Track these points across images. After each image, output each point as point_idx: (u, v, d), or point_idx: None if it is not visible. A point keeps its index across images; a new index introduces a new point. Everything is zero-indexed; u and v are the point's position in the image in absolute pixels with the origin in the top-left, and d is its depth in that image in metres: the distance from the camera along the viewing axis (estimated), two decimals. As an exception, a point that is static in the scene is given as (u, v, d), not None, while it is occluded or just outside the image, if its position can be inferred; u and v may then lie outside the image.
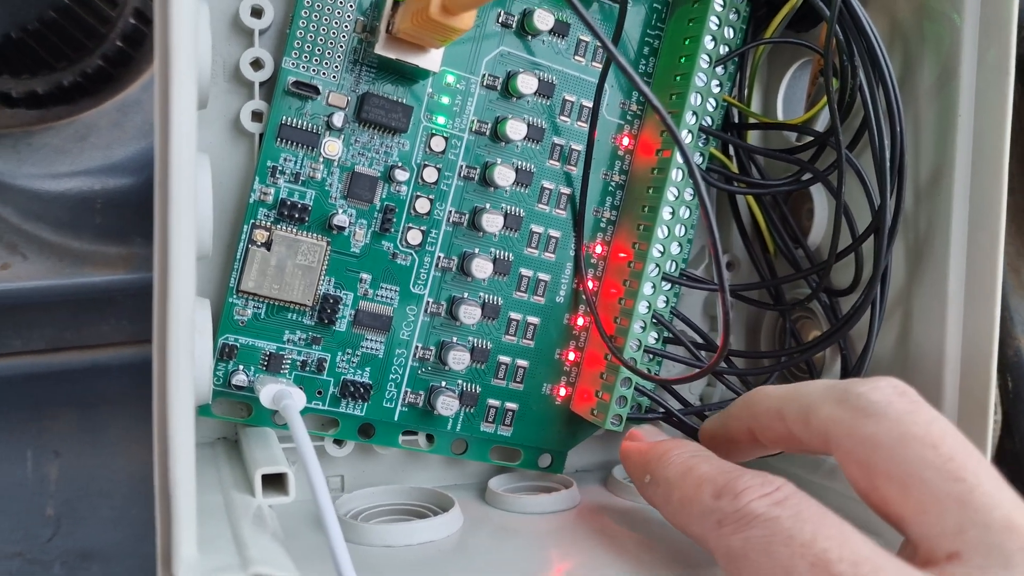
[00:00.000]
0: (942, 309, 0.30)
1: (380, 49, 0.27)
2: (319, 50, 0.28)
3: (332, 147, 0.29)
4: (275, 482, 0.26)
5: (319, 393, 0.30)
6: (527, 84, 0.30)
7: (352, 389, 0.30)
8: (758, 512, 0.21)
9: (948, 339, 0.30)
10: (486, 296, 0.31)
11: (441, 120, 0.30)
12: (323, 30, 0.28)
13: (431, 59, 0.28)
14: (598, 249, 0.33)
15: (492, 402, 0.32)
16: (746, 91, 0.34)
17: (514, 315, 0.32)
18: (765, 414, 0.25)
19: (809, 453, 0.24)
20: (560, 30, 0.31)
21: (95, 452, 0.40)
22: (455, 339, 0.31)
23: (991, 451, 0.42)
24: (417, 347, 0.31)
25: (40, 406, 0.39)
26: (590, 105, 0.32)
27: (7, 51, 0.37)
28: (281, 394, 0.26)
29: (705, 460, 0.25)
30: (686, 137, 0.31)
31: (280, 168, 0.28)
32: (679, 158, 0.30)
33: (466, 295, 0.31)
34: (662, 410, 0.32)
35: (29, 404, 0.39)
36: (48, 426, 0.39)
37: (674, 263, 0.31)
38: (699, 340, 0.34)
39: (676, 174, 0.31)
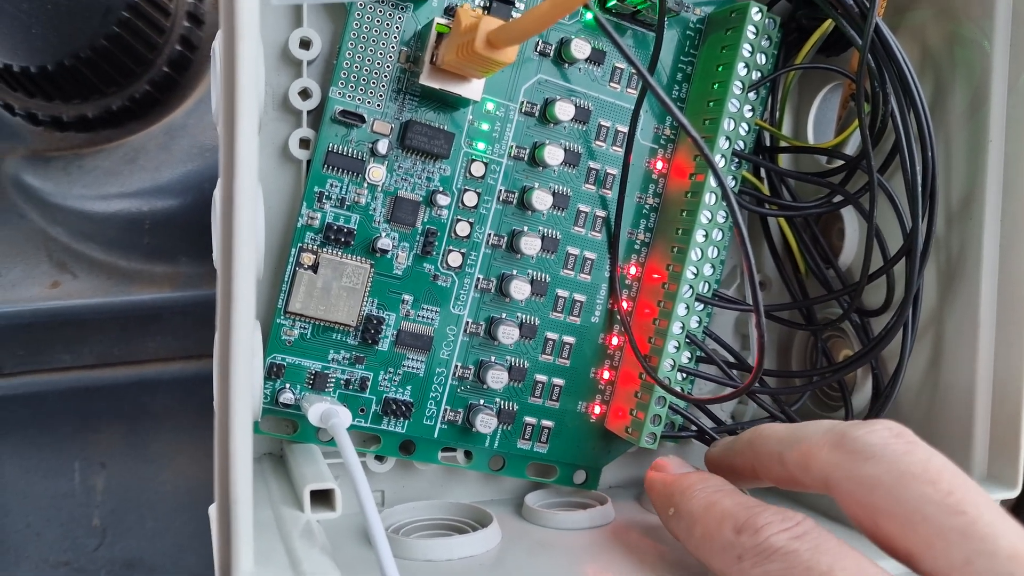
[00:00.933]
0: (974, 331, 0.30)
1: (425, 79, 0.28)
2: (364, 80, 0.29)
3: (376, 173, 0.30)
4: (322, 498, 0.27)
5: (362, 411, 0.31)
6: (564, 111, 0.31)
7: (394, 407, 0.31)
8: (778, 546, 0.22)
9: (980, 361, 0.30)
10: (524, 316, 0.32)
11: (481, 146, 0.31)
12: (368, 61, 0.29)
13: (473, 88, 0.29)
14: (632, 270, 0.33)
15: (529, 420, 0.33)
16: (777, 114, 0.34)
17: (550, 335, 0.33)
18: (767, 456, 0.26)
19: (809, 491, 0.25)
20: (596, 58, 0.32)
21: (140, 464, 0.41)
22: (493, 358, 0.32)
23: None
24: (457, 366, 0.32)
25: (88, 419, 0.40)
26: (625, 130, 0.33)
27: (60, 77, 0.39)
28: (328, 413, 0.27)
29: (728, 495, 0.25)
30: (719, 161, 0.31)
31: (326, 193, 0.29)
32: (712, 182, 0.31)
33: (504, 315, 0.32)
34: (695, 428, 0.33)
35: (77, 417, 0.40)
36: (95, 439, 0.41)
37: (707, 284, 0.32)
38: (731, 359, 0.34)
39: (709, 197, 0.31)
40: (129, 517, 0.41)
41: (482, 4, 0.30)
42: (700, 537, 0.25)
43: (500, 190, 0.31)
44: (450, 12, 0.29)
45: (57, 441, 0.40)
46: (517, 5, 0.30)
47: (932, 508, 0.21)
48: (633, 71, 0.32)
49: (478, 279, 0.31)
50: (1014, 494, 0.30)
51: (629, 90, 0.33)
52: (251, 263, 0.20)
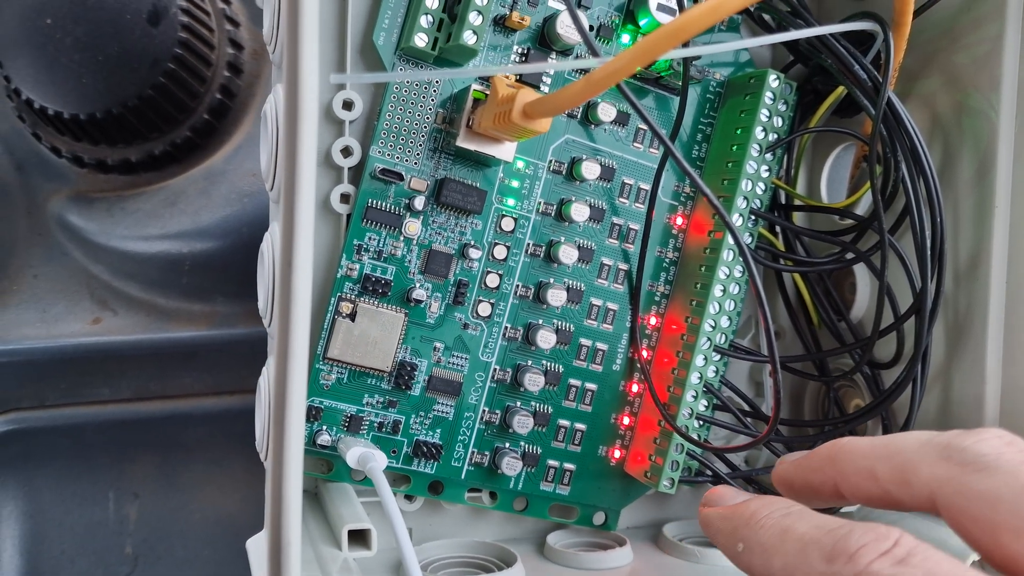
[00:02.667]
0: (981, 385, 0.32)
1: (461, 142, 0.30)
2: (403, 139, 0.31)
3: (412, 227, 0.31)
4: (358, 537, 0.28)
5: (393, 452, 0.32)
6: (591, 170, 0.33)
7: (424, 449, 0.32)
8: (882, 575, 0.19)
9: (986, 415, 0.32)
10: (548, 364, 0.34)
11: (511, 202, 0.33)
12: (407, 122, 0.31)
13: (506, 150, 0.31)
14: (652, 321, 0.35)
15: (552, 463, 0.34)
16: (792, 172, 0.36)
17: (574, 382, 0.34)
18: (855, 473, 0.23)
19: (907, 511, 0.23)
20: (621, 120, 0.33)
21: (172, 495, 0.42)
22: (519, 404, 0.33)
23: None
24: (484, 411, 0.33)
25: (124, 451, 0.42)
26: (647, 188, 0.34)
27: (107, 124, 0.41)
28: (366, 457, 0.28)
29: (800, 517, 0.22)
30: (736, 220, 0.33)
31: (365, 246, 0.31)
32: (730, 239, 0.33)
33: (530, 363, 0.33)
34: (710, 473, 0.34)
35: (114, 449, 0.42)
36: (130, 469, 0.42)
37: (724, 335, 0.34)
38: (745, 407, 0.36)
39: (727, 254, 0.33)
40: (160, 546, 0.42)
41: (515, 77, 0.32)
42: (782, 571, 0.21)
43: (528, 244, 0.33)
44: (486, 79, 0.31)
45: (93, 471, 0.42)
46: (544, 81, 0.32)
47: None
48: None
49: (506, 328, 0.33)
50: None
51: (651, 150, 0.34)
52: (306, 318, 0.22)
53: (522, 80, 0.31)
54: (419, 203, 0.31)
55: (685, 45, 0.30)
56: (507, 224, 0.33)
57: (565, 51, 0.32)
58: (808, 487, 0.25)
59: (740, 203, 0.33)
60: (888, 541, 0.19)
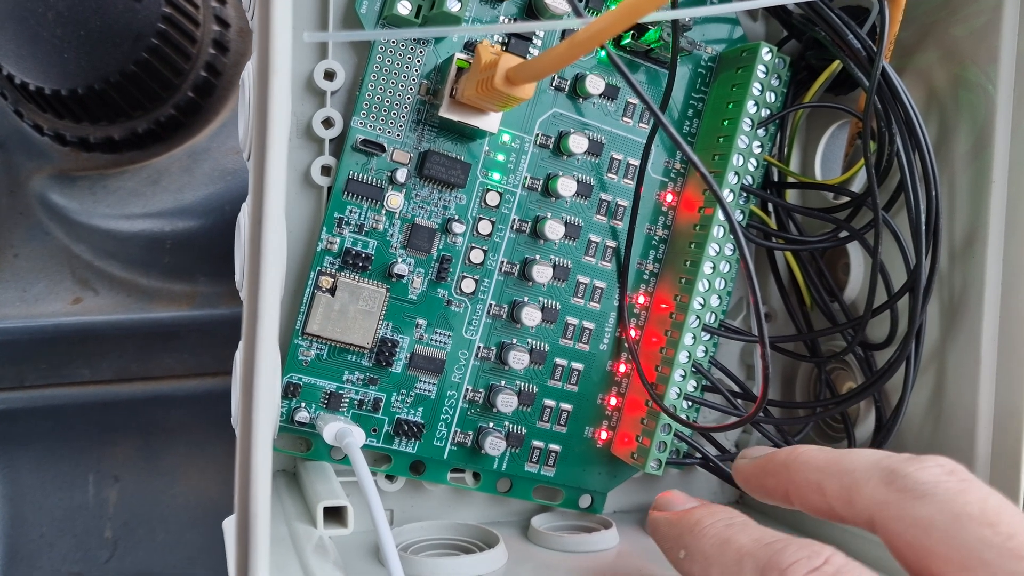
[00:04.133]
0: (975, 366, 0.31)
1: (444, 112, 0.29)
2: (385, 111, 0.30)
3: (394, 201, 0.31)
4: (335, 514, 0.28)
5: (374, 431, 0.31)
6: (578, 144, 0.32)
7: (405, 428, 0.32)
8: None
9: (981, 395, 0.31)
10: (534, 343, 0.33)
11: (496, 176, 0.32)
12: (390, 92, 0.30)
13: (490, 121, 0.30)
14: (641, 299, 0.34)
15: (537, 443, 0.33)
16: (786, 150, 0.35)
17: (560, 361, 0.33)
18: (805, 484, 0.24)
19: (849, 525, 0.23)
20: (610, 93, 0.33)
21: (153, 478, 0.42)
22: (503, 383, 0.33)
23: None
24: (467, 389, 0.32)
25: (104, 433, 0.41)
26: (636, 163, 0.33)
27: (89, 100, 0.40)
28: (343, 432, 0.28)
29: (741, 529, 0.23)
30: (728, 196, 0.32)
31: (346, 219, 0.30)
32: (721, 216, 0.32)
33: (515, 341, 0.33)
34: (699, 455, 0.34)
35: (94, 431, 0.41)
36: (110, 452, 0.41)
37: (713, 315, 0.33)
38: (736, 388, 0.35)
39: (717, 231, 0.32)
40: (140, 530, 0.42)
41: (501, 40, 0.31)
42: None
43: (514, 219, 0.32)
44: (470, 47, 0.31)
45: (74, 453, 0.41)
46: (534, 41, 0.31)
47: (992, 553, 0.19)
48: (645, 108, 0.33)
49: (490, 305, 0.32)
50: (1014, 529, 0.30)
51: (641, 124, 0.34)
52: (276, 289, 0.21)
53: (509, 50, 0.31)
54: (402, 176, 0.31)
55: (674, 6, 0.29)
56: (492, 199, 0.32)
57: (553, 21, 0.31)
58: (761, 488, 0.26)
59: (731, 179, 0.32)
60: (819, 558, 0.20)
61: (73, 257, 0.42)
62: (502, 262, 0.32)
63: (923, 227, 0.30)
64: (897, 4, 0.30)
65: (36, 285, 0.41)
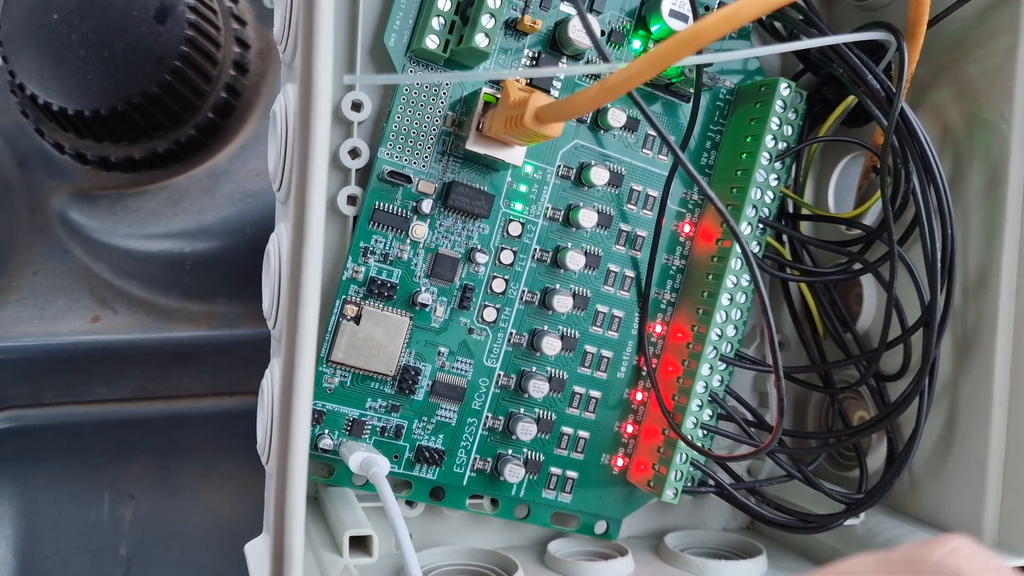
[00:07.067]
0: (988, 400, 0.32)
1: (471, 145, 0.30)
2: (411, 142, 0.31)
3: (419, 230, 0.31)
4: (359, 543, 0.28)
5: (395, 457, 0.32)
6: (599, 176, 0.33)
7: (426, 454, 0.32)
8: None
9: (993, 430, 0.31)
10: (553, 371, 0.33)
11: (519, 207, 0.32)
12: (416, 124, 0.31)
13: (515, 154, 0.30)
14: (658, 329, 0.35)
15: (554, 470, 0.34)
16: (801, 181, 0.36)
17: (578, 389, 0.34)
18: None
19: None
20: (630, 125, 0.33)
21: (168, 497, 0.42)
22: (523, 410, 0.33)
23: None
24: (487, 417, 0.33)
25: (120, 451, 0.41)
26: (655, 194, 0.34)
27: (111, 121, 0.40)
28: (368, 462, 0.28)
29: None
30: (745, 228, 0.33)
31: (371, 249, 0.31)
32: (738, 248, 0.33)
33: (535, 369, 0.33)
34: (713, 483, 0.34)
35: (111, 449, 0.41)
36: (126, 470, 0.42)
37: (730, 344, 0.33)
38: (749, 417, 0.35)
39: (735, 263, 0.33)
40: (155, 548, 0.42)
41: (526, 81, 0.31)
42: None
43: (535, 249, 0.33)
44: (496, 83, 0.31)
45: (90, 471, 0.41)
46: (557, 74, 0.32)
47: None
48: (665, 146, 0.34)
49: (511, 334, 0.33)
50: (1025, 560, 0.31)
51: (660, 156, 0.34)
52: (315, 324, 0.22)
53: (532, 84, 0.31)
54: (426, 206, 0.31)
55: (698, 52, 0.29)
56: (514, 229, 0.32)
57: (576, 55, 0.32)
58: None
59: (749, 212, 0.33)
60: None
61: (92, 276, 0.42)
62: (523, 291, 0.33)
63: (939, 263, 0.30)
64: (915, 44, 0.31)
65: (55, 303, 0.42)
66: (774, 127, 0.33)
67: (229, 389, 0.41)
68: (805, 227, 0.38)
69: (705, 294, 0.33)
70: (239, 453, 0.41)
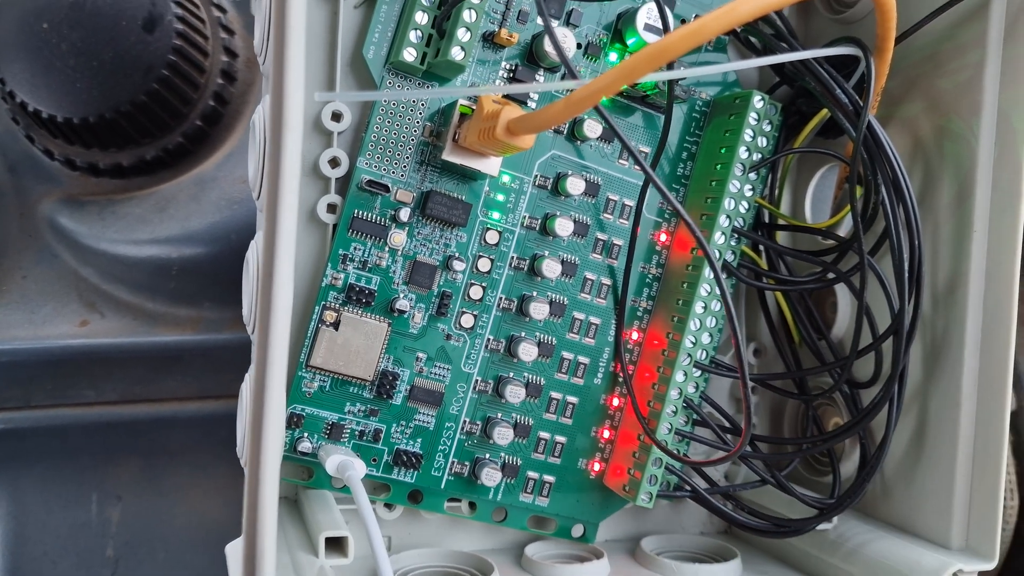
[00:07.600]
0: (956, 406, 0.32)
1: (447, 155, 0.30)
2: (390, 152, 0.31)
3: (397, 238, 0.32)
4: (336, 544, 0.29)
5: (374, 460, 0.32)
6: (575, 186, 0.33)
7: (404, 458, 0.33)
8: None
9: (961, 435, 0.32)
10: (530, 376, 0.34)
11: (496, 215, 0.33)
12: (395, 134, 0.31)
13: (491, 164, 0.31)
14: (634, 336, 0.35)
15: (531, 474, 0.34)
16: (777, 192, 0.37)
17: (555, 394, 0.34)
18: None
19: None
20: (607, 136, 0.34)
21: (155, 498, 0.43)
22: (500, 415, 0.34)
23: (1009, 536, 0.44)
24: (465, 421, 0.33)
25: (107, 454, 0.42)
26: (631, 204, 0.35)
27: (100, 128, 0.41)
28: (344, 465, 0.29)
29: None
30: (719, 238, 0.33)
31: (350, 256, 0.31)
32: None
33: (512, 375, 0.34)
34: (688, 488, 0.35)
35: (98, 452, 0.42)
36: (114, 472, 0.42)
37: (704, 352, 0.34)
38: (725, 423, 0.36)
39: (709, 272, 0.33)
40: (142, 550, 0.42)
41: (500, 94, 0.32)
42: None
43: (512, 257, 0.33)
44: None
45: (77, 473, 0.42)
46: (532, 97, 0.33)
47: None
48: (640, 151, 0.34)
49: (488, 340, 0.33)
50: (992, 566, 0.32)
51: (636, 167, 0.35)
52: (286, 330, 0.22)
53: (509, 96, 0.32)
54: (405, 215, 0.32)
55: (670, 67, 0.30)
56: (492, 237, 0.33)
57: (553, 68, 0.33)
58: None
59: (723, 221, 0.34)
60: None
61: (81, 280, 0.43)
62: (500, 298, 0.33)
63: (906, 274, 0.31)
64: (883, 58, 0.31)
65: (44, 307, 0.42)
66: (747, 139, 0.34)
67: (215, 393, 0.42)
68: (782, 237, 0.39)
69: (680, 302, 0.34)
70: (225, 456, 0.41)
